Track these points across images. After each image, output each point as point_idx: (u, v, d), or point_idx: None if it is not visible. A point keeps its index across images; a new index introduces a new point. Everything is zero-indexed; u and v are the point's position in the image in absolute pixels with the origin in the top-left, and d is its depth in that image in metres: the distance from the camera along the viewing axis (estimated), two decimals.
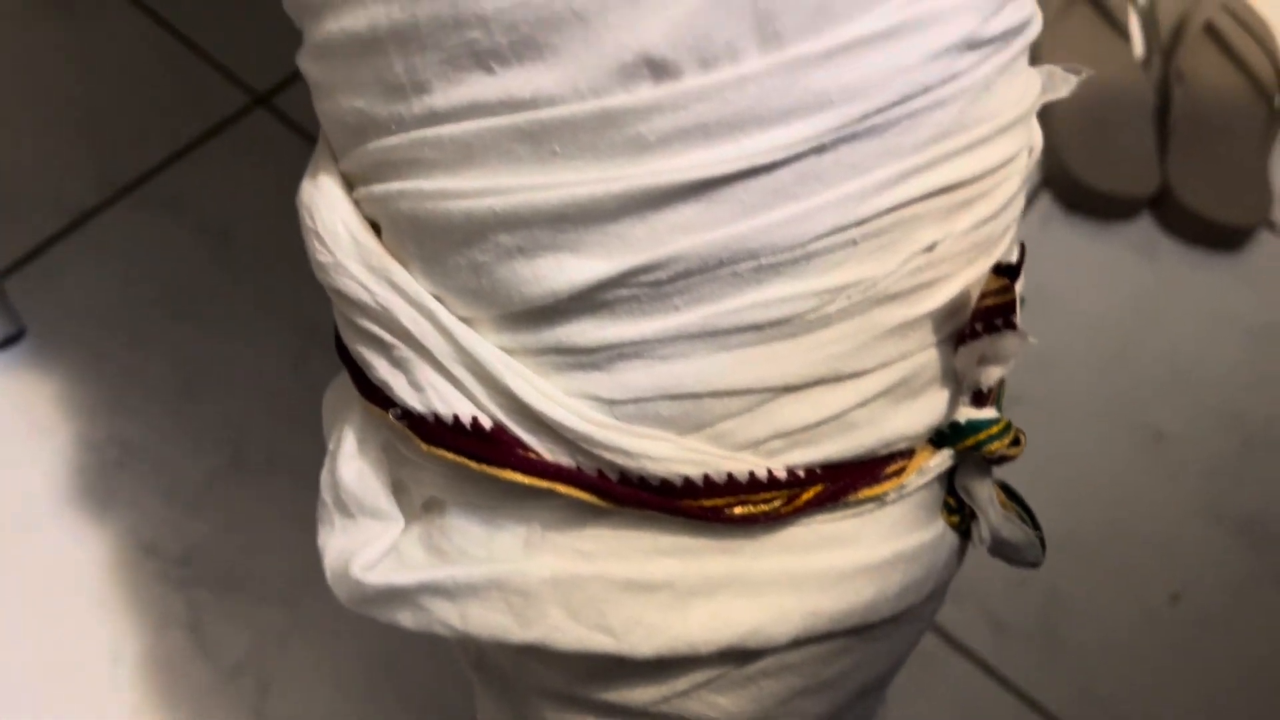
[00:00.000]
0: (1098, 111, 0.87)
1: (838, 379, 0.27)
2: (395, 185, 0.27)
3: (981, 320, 0.27)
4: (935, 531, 0.31)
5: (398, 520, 0.31)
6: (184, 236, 0.77)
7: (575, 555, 0.28)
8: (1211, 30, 0.92)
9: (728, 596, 0.28)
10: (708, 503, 0.27)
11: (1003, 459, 0.30)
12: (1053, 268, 0.85)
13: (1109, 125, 0.88)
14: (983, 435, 0.29)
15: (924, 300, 0.27)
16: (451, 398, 0.27)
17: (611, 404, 0.27)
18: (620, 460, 0.26)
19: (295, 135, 0.81)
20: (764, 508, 0.27)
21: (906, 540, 0.30)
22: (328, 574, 0.31)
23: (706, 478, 0.27)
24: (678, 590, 0.28)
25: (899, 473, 0.28)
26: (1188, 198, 0.86)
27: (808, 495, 0.27)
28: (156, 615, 0.65)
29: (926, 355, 0.28)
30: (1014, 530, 0.31)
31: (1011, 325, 0.26)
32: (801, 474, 0.27)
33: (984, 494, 0.31)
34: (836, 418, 0.27)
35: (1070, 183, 0.86)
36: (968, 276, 0.27)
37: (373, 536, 0.30)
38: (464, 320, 0.27)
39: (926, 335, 0.27)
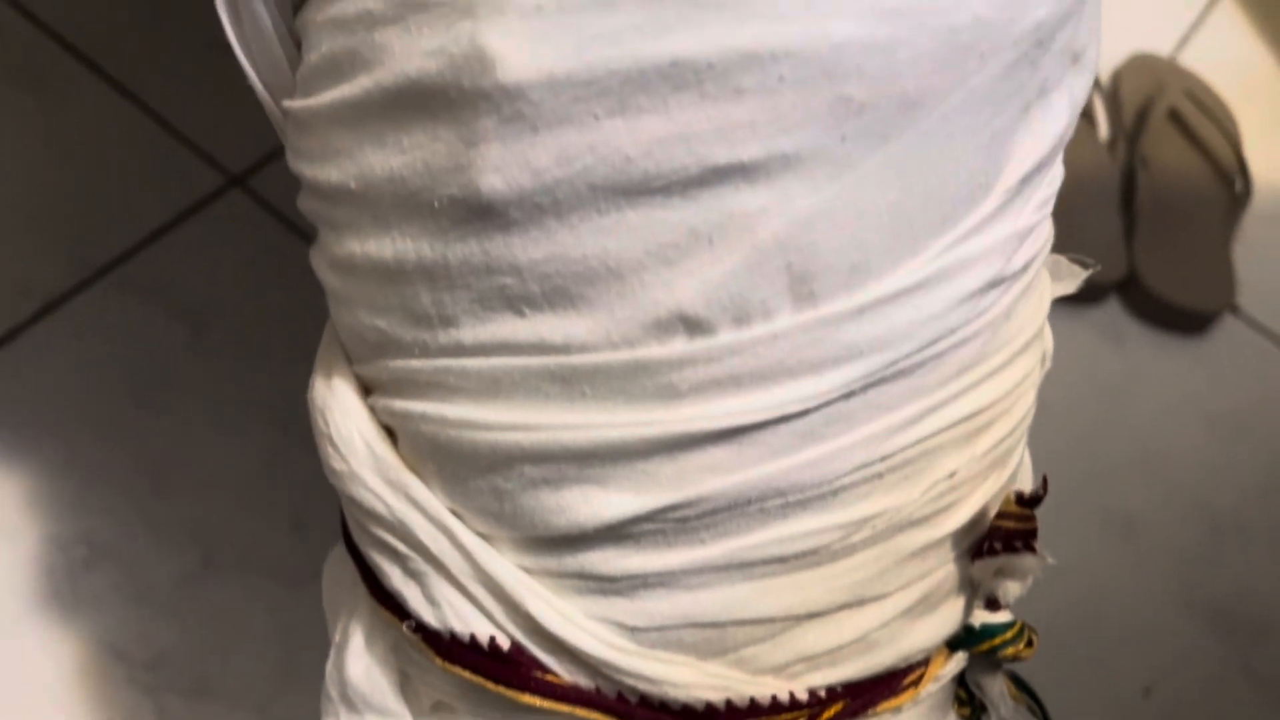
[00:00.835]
0: (1065, 196, 0.89)
1: (860, 603, 0.27)
2: (417, 406, 0.27)
3: (1000, 540, 0.27)
4: None
5: (406, 719, 0.30)
6: (157, 323, 0.76)
7: None
8: (1174, 115, 0.94)
9: None
10: None
11: (1016, 659, 0.30)
12: None
13: (1076, 210, 0.89)
14: (998, 640, 0.29)
15: (945, 522, 0.27)
16: (469, 615, 0.27)
17: (633, 630, 0.26)
18: (642, 686, 0.26)
19: (272, 218, 0.80)
20: None
21: None
22: None
23: (729, 703, 0.26)
24: None
25: (916, 682, 0.29)
26: (1154, 283, 0.87)
27: (829, 714, 0.27)
28: None
29: (945, 570, 0.28)
30: None
31: (1031, 549, 0.27)
32: (823, 694, 0.27)
33: (995, 689, 0.31)
34: (858, 640, 0.27)
35: None
36: (986, 491, 0.28)
37: None
38: (483, 536, 0.27)
39: (946, 553, 0.27)
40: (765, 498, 0.25)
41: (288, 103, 0.29)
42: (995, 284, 0.26)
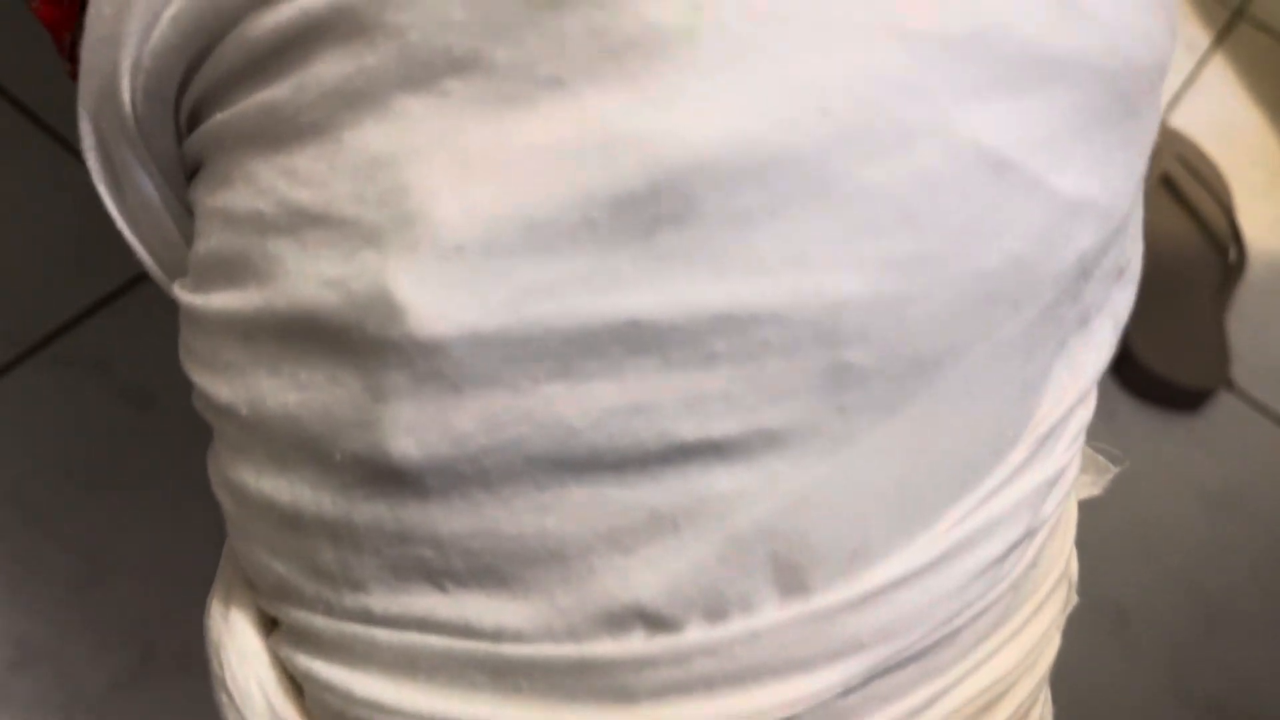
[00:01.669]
0: None
1: None
2: (322, 670, 0.23)
3: None
4: None
5: None
6: (99, 401, 0.71)
7: None
8: (1166, 181, 0.91)
9: None
10: None
11: None
12: None
13: None
14: None
15: None
16: None
17: None
18: None
19: None
20: None
21: None
22: None
23: None
24: None
25: None
26: (1148, 359, 0.84)
27: None
28: None
29: None
30: None
31: None
32: None
33: None
34: None
35: None
36: None
37: None
38: None
39: None
40: None
41: (178, 290, 0.26)
42: (1021, 541, 0.22)
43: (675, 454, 0.20)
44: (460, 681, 0.21)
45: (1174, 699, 0.75)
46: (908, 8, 0.20)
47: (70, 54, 0.34)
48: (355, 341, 0.21)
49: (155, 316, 0.74)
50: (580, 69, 0.20)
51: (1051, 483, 0.23)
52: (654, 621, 0.20)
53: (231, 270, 0.24)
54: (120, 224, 0.28)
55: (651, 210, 0.20)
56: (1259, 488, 0.84)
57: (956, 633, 0.22)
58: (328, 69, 0.22)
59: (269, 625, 0.25)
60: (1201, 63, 1.02)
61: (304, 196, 0.22)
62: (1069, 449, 0.25)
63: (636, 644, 0.20)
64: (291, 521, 0.22)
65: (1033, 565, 0.23)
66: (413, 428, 0.20)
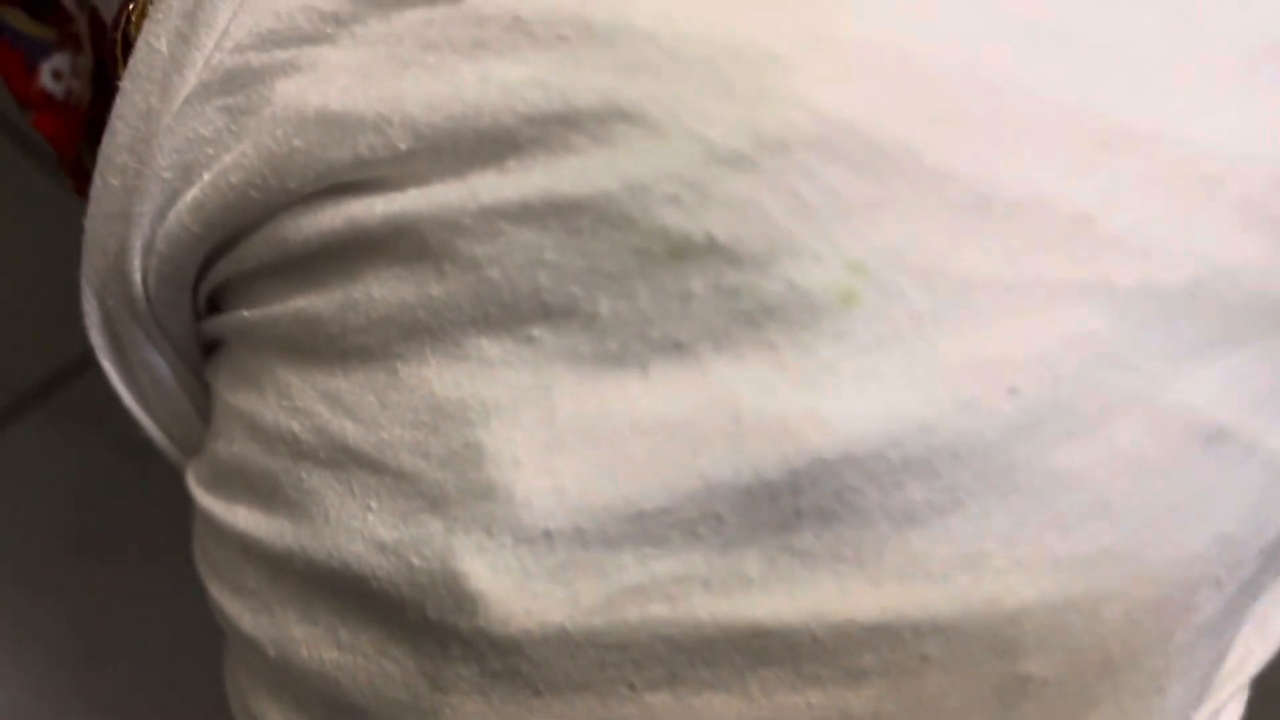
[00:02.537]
0: None
1: None
2: None
3: None
4: None
5: None
6: (99, 456, 0.67)
7: None
8: None
9: None
10: None
11: None
12: None
13: None
14: None
15: None
16: None
17: None
18: None
19: None
20: None
21: None
22: None
23: None
24: None
25: None
26: None
27: None
28: None
29: None
30: None
31: None
32: None
33: None
34: None
35: None
36: None
37: None
38: None
39: None
40: None
41: (193, 481, 0.23)
42: None
43: None
44: None
45: None
46: (1114, 261, 0.16)
47: (74, 170, 0.30)
48: (413, 621, 0.18)
49: None
50: (706, 333, 0.16)
51: None
52: None
53: (259, 489, 0.21)
54: (127, 400, 0.25)
55: (790, 504, 0.16)
56: None
57: None
58: (382, 291, 0.18)
59: None
60: None
61: (349, 431, 0.19)
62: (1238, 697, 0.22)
63: None
64: None
65: None
66: None
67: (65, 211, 0.77)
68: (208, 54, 0.20)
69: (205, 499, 0.23)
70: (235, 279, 0.21)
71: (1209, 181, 0.17)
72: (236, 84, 0.19)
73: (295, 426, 0.20)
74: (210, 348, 0.24)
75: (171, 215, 0.21)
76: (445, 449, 0.18)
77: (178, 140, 0.20)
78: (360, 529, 0.19)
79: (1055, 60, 0.16)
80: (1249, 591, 0.20)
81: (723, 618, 0.17)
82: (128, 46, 0.21)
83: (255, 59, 0.19)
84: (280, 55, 0.19)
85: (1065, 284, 0.16)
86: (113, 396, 0.81)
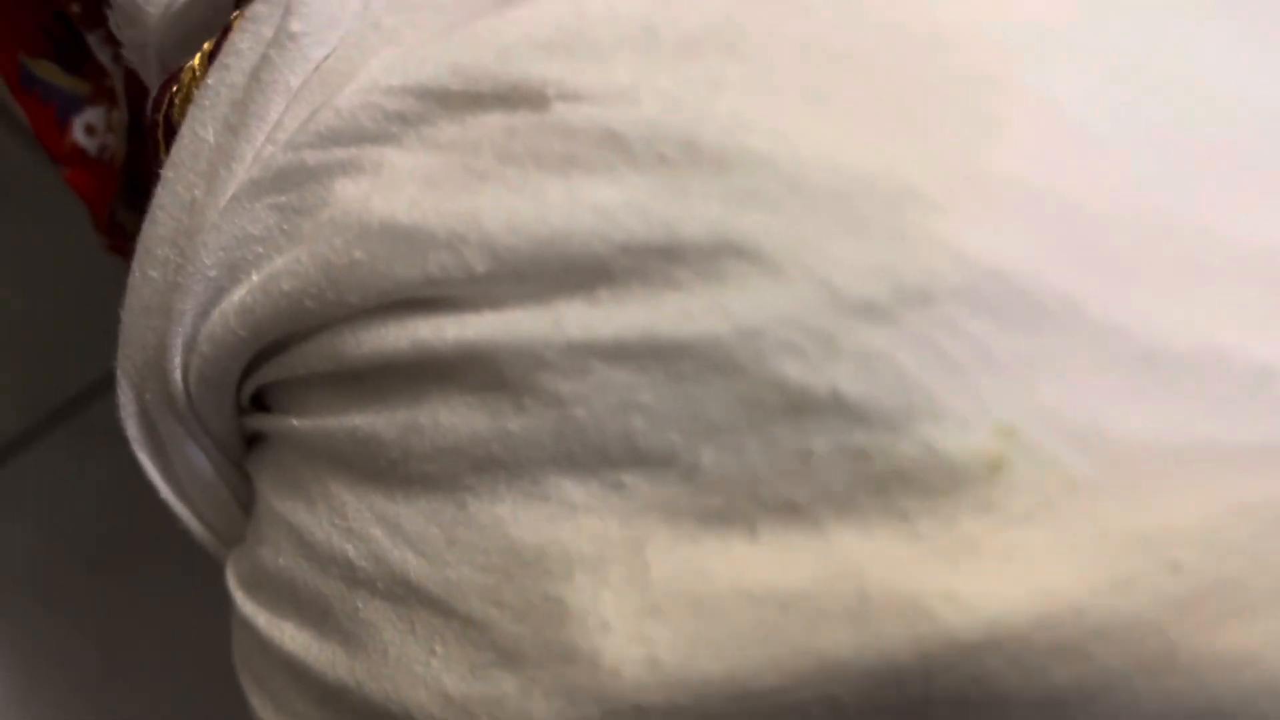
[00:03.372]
0: None
1: None
2: None
3: None
4: None
5: None
6: (119, 475, 0.66)
7: None
8: None
9: None
10: None
11: None
12: None
13: None
14: None
15: None
16: None
17: None
18: None
19: None
20: None
21: None
22: None
23: None
24: None
25: None
26: None
27: None
28: None
29: None
30: None
31: None
32: None
33: None
34: None
35: None
36: None
37: None
38: None
39: None
40: None
41: (233, 583, 0.22)
42: None
43: None
44: None
45: None
46: None
47: (109, 228, 0.29)
48: None
49: None
50: (826, 496, 0.14)
51: None
52: None
53: (308, 610, 0.19)
54: (164, 492, 0.23)
55: (920, 690, 0.14)
56: None
57: None
58: (451, 419, 0.16)
59: None
60: None
61: (411, 564, 0.17)
62: None
63: None
64: None
65: None
66: None
67: (91, 233, 0.75)
68: (258, 147, 0.18)
69: (247, 605, 0.21)
70: (283, 386, 0.20)
71: None
72: (290, 182, 0.17)
73: (350, 550, 0.18)
74: (253, 438, 0.22)
75: (216, 315, 0.19)
76: (522, 599, 0.16)
77: (224, 238, 0.18)
78: (423, 675, 0.17)
79: (1236, 198, 0.14)
80: None
81: None
82: (170, 130, 0.19)
83: (311, 157, 0.17)
84: (339, 154, 0.17)
85: (1238, 447, 0.14)
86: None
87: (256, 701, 0.21)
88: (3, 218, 0.71)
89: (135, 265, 0.20)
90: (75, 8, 0.24)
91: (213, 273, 0.18)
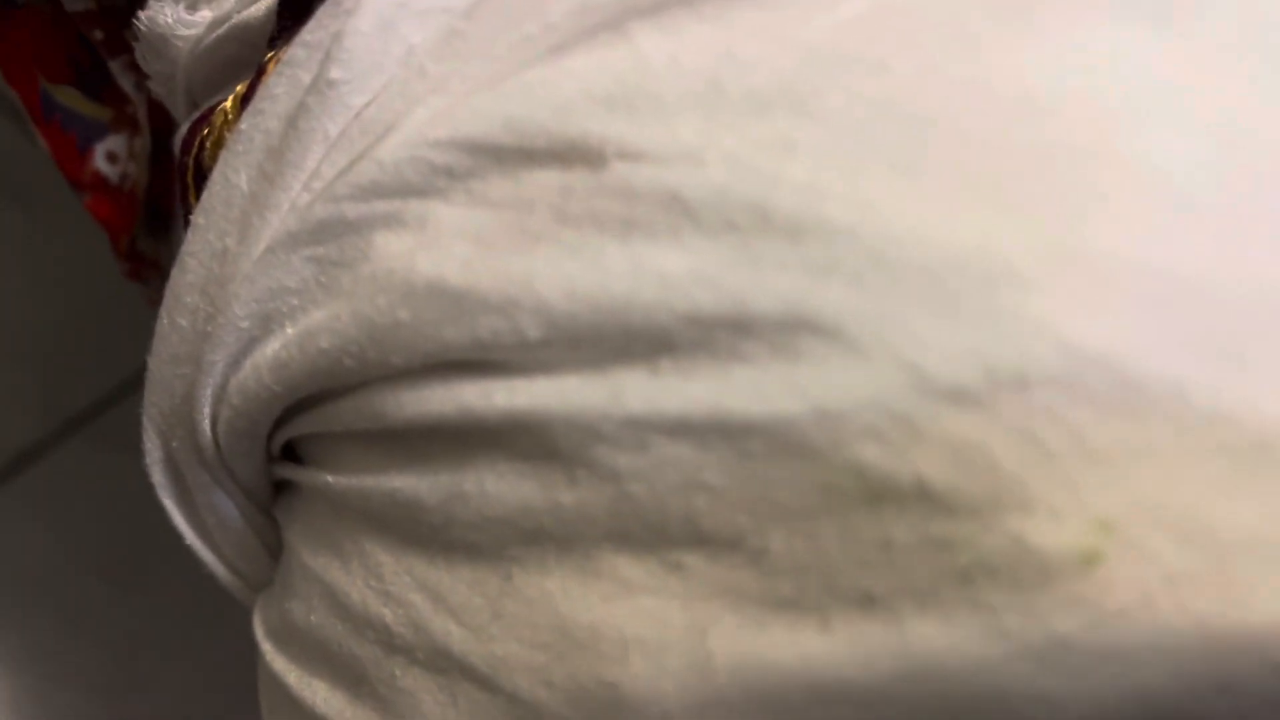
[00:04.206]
0: None
1: None
2: None
3: None
4: None
5: None
6: (137, 483, 0.65)
7: None
8: None
9: None
10: None
11: None
12: None
13: None
14: None
15: None
16: None
17: None
18: None
19: None
20: None
21: None
22: None
23: None
24: None
25: None
26: None
27: None
28: None
29: None
30: None
31: None
32: None
33: None
34: None
35: None
36: None
37: None
38: None
39: None
40: None
41: (260, 632, 0.21)
42: None
43: None
44: None
45: None
46: None
47: (129, 254, 0.28)
48: None
49: None
50: (906, 588, 0.13)
51: None
52: None
53: (342, 672, 0.18)
54: (190, 539, 0.22)
55: None
56: None
57: None
58: (498, 487, 0.15)
59: None
60: None
61: (455, 635, 0.16)
62: None
63: None
64: None
65: None
66: None
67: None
68: (294, 195, 0.17)
69: (277, 660, 0.20)
70: (316, 441, 0.19)
71: None
72: (329, 234, 0.17)
73: (388, 615, 0.17)
74: (281, 483, 0.22)
75: (248, 366, 0.18)
76: (573, 682, 0.15)
77: (258, 289, 0.17)
78: None
79: None
80: None
81: None
82: (201, 174, 0.19)
83: (351, 209, 0.16)
84: (381, 207, 0.16)
85: None
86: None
87: None
88: (21, 227, 0.70)
89: (164, 312, 0.19)
90: (98, 34, 0.23)
91: (245, 323, 0.18)
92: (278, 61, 0.17)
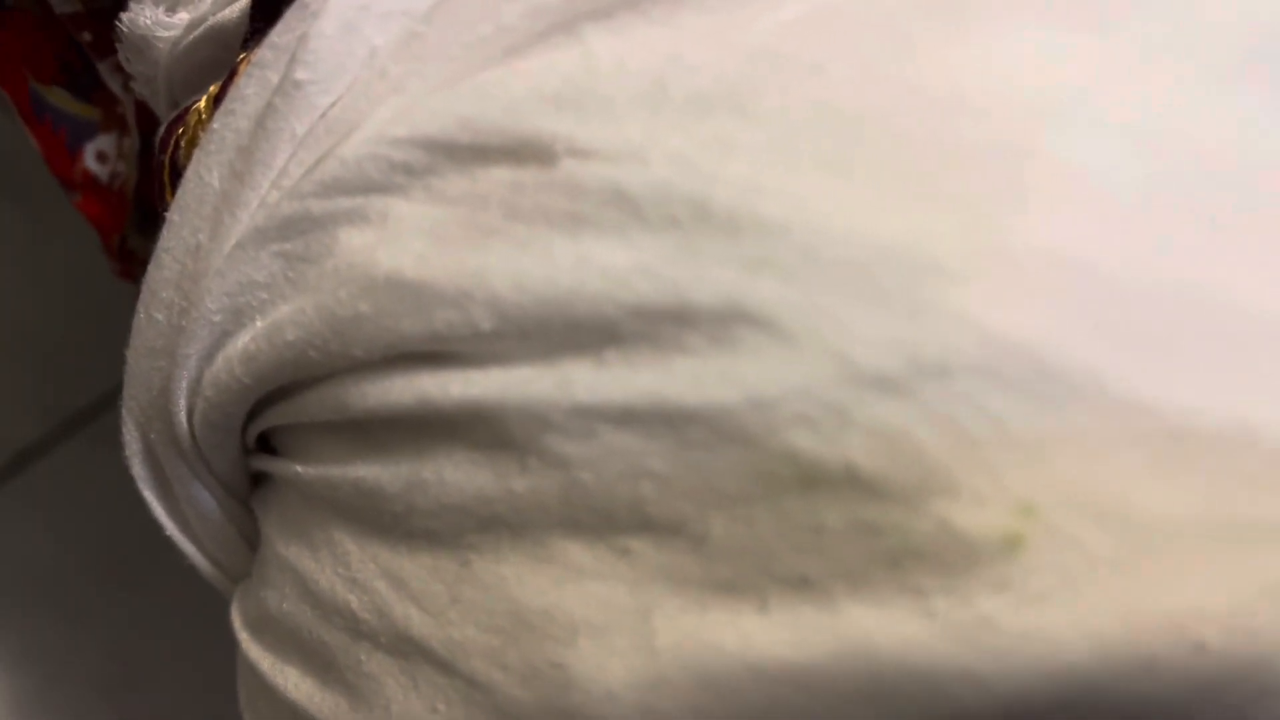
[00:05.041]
0: None
1: None
2: None
3: None
4: None
5: None
6: (133, 484, 0.66)
7: None
8: None
9: None
10: None
11: None
12: None
13: None
14: None
15: None
16: None
17: None
18: None
19: None
20: None
21: None
22: None
23: None
24: None
25: None
26: None
27: None
28: None
29: None
30: None
31: None
32: None
33: None
34: None
35: None
36: None
37: None
38: None
39: None
40: None
41: (238, 624, 0.21)
42: None
43: None
44: None
45: None
46: None
47: (120, 253, 0.28)
48: None
49: None
50: (839, 571, 0.14)
51: None
52: None
53: (312, 658, 0.19)
54: (170, 530, 0.23)
55: None
56: None
57: None
58: (455, 476, 0.16)
59: None
60: None
61: (415, 620, 0.17)
62: None
63: None
64: None
65: None
66: None
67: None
68: (263, 193, 0.17)
69: (253, 648, 0.21)
70: (287, 431, 0.19)
71: None
72: (295, 230, 0.17)
73: (354, 601, 0.18)
74: (259, 476, 0.22)
75: (220, 359, 0.18)
76: (525, 664, 0.16)
77: (229, 284, 0.18)
78: None
79: (1269, 268, 0.14)
80: None
81: None
82: (175, 173, 0.19)
83: (316, 206, 0.17)
84: (345, 203, 0.17)
85: (1268, 525, 0.14)
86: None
87: None
88: (21, 227, 0.71)
89: (140, 307, 0.19)
90: (87, 36, 0.24)
91: (217, 317, 0.18)
92: (248, 63, 0.18)
